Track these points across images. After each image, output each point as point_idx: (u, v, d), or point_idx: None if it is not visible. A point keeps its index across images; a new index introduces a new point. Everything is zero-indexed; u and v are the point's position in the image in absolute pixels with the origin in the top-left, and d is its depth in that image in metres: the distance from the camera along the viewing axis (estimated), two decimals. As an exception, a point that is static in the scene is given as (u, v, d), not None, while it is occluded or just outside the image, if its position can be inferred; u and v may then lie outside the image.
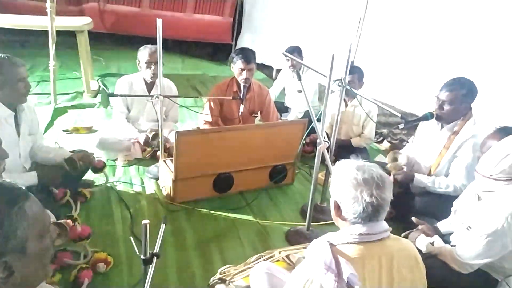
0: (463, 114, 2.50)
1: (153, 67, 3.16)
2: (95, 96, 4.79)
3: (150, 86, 3.32)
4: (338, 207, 1.33)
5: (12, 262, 0.92)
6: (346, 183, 1.28)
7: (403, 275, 1.28)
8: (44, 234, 1.01)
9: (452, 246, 1.97)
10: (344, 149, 3.52)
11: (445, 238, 2.14)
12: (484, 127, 2.46)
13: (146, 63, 3.17)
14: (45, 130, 3.76)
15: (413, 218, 2.27)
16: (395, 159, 2.75)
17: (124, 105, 3.39)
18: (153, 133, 3.27)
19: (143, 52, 3.18)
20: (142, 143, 3.31)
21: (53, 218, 2.03)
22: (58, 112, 4.24)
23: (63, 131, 3.82)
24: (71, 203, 2.57)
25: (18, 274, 0.94)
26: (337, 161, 1.42)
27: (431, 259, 1.92)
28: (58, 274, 2.00)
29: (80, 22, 4.73)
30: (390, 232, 1.33)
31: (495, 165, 1.77)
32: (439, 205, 2.45)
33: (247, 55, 3.16)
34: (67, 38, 4.91)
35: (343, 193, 1.29)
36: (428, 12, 3.79)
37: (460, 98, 2.43)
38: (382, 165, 2.85)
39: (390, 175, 2.63)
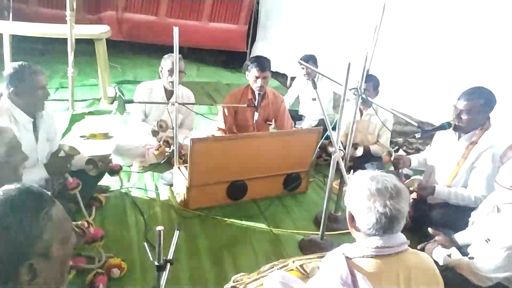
0: (481, 124, 2.45)
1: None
2: (111, 103, 4.86)
3: (169, 93, 3.35)
4: (352, 218, 1.31)
5: (37, 265, 0.94)
6: (359, 193, 1.27)
7: (421, 290, 1.25)
8: (67, 239, 1.04)
9: (470, 258, 1.92)
10: (359, 158, 3.50)
11: (463, 250, 2.09)
12: (503, 138, 2.42)
13: (169, 71, 3.21)
14: (63, 136, 3.82)
15: (430, 229, 2.23)
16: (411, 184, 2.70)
17: (141, 111, 3.44)
18: (162, 123, 3.24)
19: (167, 61, 3.22)
20: (150, 133, 3.30)
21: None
22: (76, 118, 4.31)
23: (80, 137, 3.88)
24: (78, 199, 2.48)
25: (41, 278, 0.96)
26: (352, 170, 1.41)
27: (448, 272, 1.87)
28: (72, 272, 2.02)
29: (98, 30, 4.83)
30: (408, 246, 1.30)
31: (516, 176, 1.73)
32: (456, 216, 2.41)
33: (262, 63, 3.18)
34: (85, 45, 5.01)
35: (357, 204, 1.27)
36: (445, 20, 3.75)
37: (478, 107, 2.39)
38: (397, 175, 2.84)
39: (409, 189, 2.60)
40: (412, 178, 2.73)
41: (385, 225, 1.22)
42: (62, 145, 2.52)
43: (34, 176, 2.22)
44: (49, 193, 1.03)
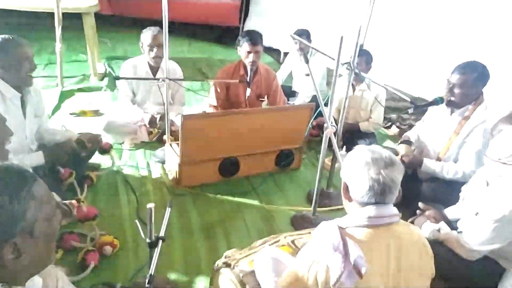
0: (474, 98, 2.44)
1: (155, 49, 3.10)
2: (101, 79, 4.78)
3: (154, 69, 3.28)
4: (346, 188, 1.34)
5: (21, 244, 0.93)
6: (355, 162, 1.30)
7: (411, 261, 1.28)
8: (51, 216, 1.03)
9: (459, 232, 1.95)
10: (352, 134, 3.50)
11: (453, 224, 2.12)
12: (496, 113, 2.41)
13: (148, 46, 3.11)
14: (52, 113, 3.77)
15: (420, 204, 2.25)
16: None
17: (129, 89, 3.36)
18: (160, 115, 3.26)
19: (146, 35, 3.11)
20: (147, 123, 3.30)
21: (58, 200, 2.04)
22: (65, 95, 4.24)
23: (70, 114, 3.83)
24: (75, 186, 2.56)
25: (26, 256, 0.95)
26: (345, 146, 1.41)
27: (437, 246, 1.90)
28: (60, 251, 2.03)
29: (86, 4, 4.68)
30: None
31: (505, 148, 1.73)
32: (447, 191, 2.42)
33: (254, 37, 3.11)
34: (73, 20, 4.88)
35: (351, 173, 1.31)
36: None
37: (471, 82, 2.37)
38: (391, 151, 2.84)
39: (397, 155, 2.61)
40: (399, 144, 2.72)
41: (378, 192, 1.25)
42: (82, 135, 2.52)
43: (31, 162, 2.20)
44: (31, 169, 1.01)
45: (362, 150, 1.32)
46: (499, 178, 1.81)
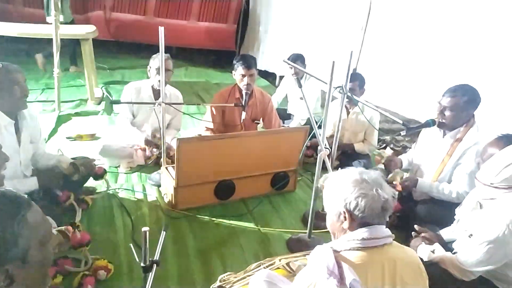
0: (465, 121, 2.48)
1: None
2: (99, 103, 4.82)
3: (157, 93, 3.33)
4: (339, 215, 1.32)
5: (13, 271, 0.93)
6: (349, 184, 1.29)
7: (406, 283, 1.28)
8: (45, 242, 1.02)
9: (454, 253, 1.95)
10: (347, 155, 3.53)
11: (448, 246, 2.12)
12: (487, 135, 2.45)
13: (156, 69, 3.19)
14: (49, 137, 3.78)
15: (416, 226, 2.26)
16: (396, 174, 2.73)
17: (129, 111, 3.42)
18: (156, 133, 3.28)
19: (156, 60, 3.20)
20: (143, 143, 3.32)
21: (54, 225, 2.03)
22: (62, 119, 4.27)
23: (67, 138, 3.84)
24: (75, 206, 2.56)
25: (19, 283, 0.94)
26: (340, 168, 1.42)
27: (433, 267, 1.90)
28: (59, 276, 2.01)
29: (84, 30, 4.78)
30: (394, 240, 1.33)
31: (497, 174, 1.76)
32: (442, 212, 2.44)
33: (248, 61, 3.18)
34: (72, 45, 4.96)
35: (348, 194, 1.28)
36: (431, 18, 3.79)
37: (461, 105, 2.42)
38: (384, 172, 2.86)
39: (391, 183, 2.63)
40: (394, 171, 2.74)
41: (379, 212, 1.26)
42: (75, 160, 2.54)
43: (25, 188, 2.20)
44: (26, 195, 1.01)
45: (349, 172, 1.33)
46: (492, 200, 1.83)
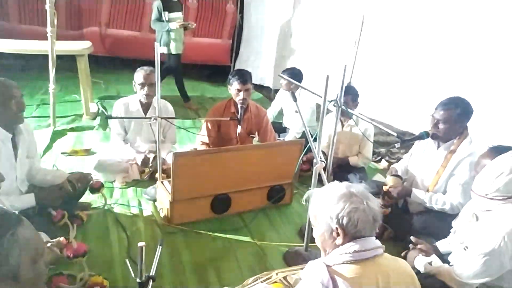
0: (458, 133, 2.51)
1: (146, 88, 3.19)
2: (94, 119, 4.82)
3: (145, 107, 3.35)
4: (331, 232, 1.31)
5: None
6: (339, 200, 1.29)
7: (400, 295, 1.27)
8: (37, 259, 1.00)
9: (450, 265, 1.95)
10: (342, 168, 3.54)
11: (444, 257, 2.13)
12: (481, 146, 2.48)
13: (140, 84, 3.21)
14: (44, 153, 3.76)
15: (412, 238, 2.26)
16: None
17: (121, 127, 3.41)
18: (153, 155, 3.29)
19: (138, 74, 3.22)
20: (139, 164, 3.32)
21: (47, 239, 2.02)
22: (57, 134, 4.25)
23: (62, 153, 3.83)
24: (69, 225, 2.54)
25: None
26: (335, 181, 1.43)
27: (429, 279, 1.90)
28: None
29: (79, 46, 4.80)
30: (390, 253, 1.33)
31: (490, 184, 1.78)
32: (438, 224, 2.45)
33: (243, 76, 3.21)
34: (67, 61, 4.97)
35: (339, 210, 1.28)
36: (423, 32, 3.85)
37: (455, 117, 2.45)
38: (380, 185, 2.87)
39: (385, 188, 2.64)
40: (388, 177, 2.76)
41: (371, 224, 1.28)
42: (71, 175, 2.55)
43: (22, 204, 2.19)
44: (17, 211, 1.00)
45: (336, 186, 1.34)
46: (488, 212, 1.84)
